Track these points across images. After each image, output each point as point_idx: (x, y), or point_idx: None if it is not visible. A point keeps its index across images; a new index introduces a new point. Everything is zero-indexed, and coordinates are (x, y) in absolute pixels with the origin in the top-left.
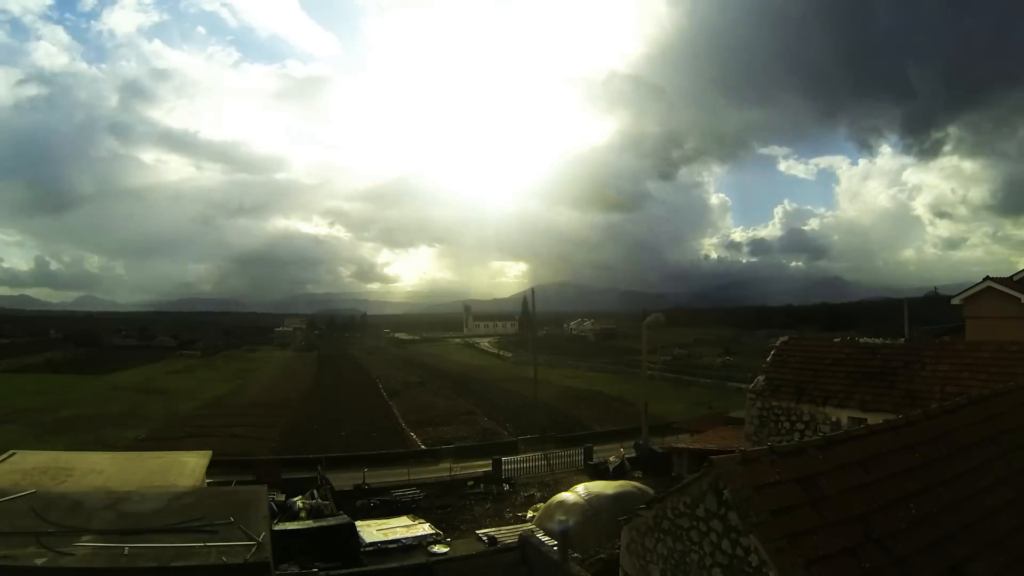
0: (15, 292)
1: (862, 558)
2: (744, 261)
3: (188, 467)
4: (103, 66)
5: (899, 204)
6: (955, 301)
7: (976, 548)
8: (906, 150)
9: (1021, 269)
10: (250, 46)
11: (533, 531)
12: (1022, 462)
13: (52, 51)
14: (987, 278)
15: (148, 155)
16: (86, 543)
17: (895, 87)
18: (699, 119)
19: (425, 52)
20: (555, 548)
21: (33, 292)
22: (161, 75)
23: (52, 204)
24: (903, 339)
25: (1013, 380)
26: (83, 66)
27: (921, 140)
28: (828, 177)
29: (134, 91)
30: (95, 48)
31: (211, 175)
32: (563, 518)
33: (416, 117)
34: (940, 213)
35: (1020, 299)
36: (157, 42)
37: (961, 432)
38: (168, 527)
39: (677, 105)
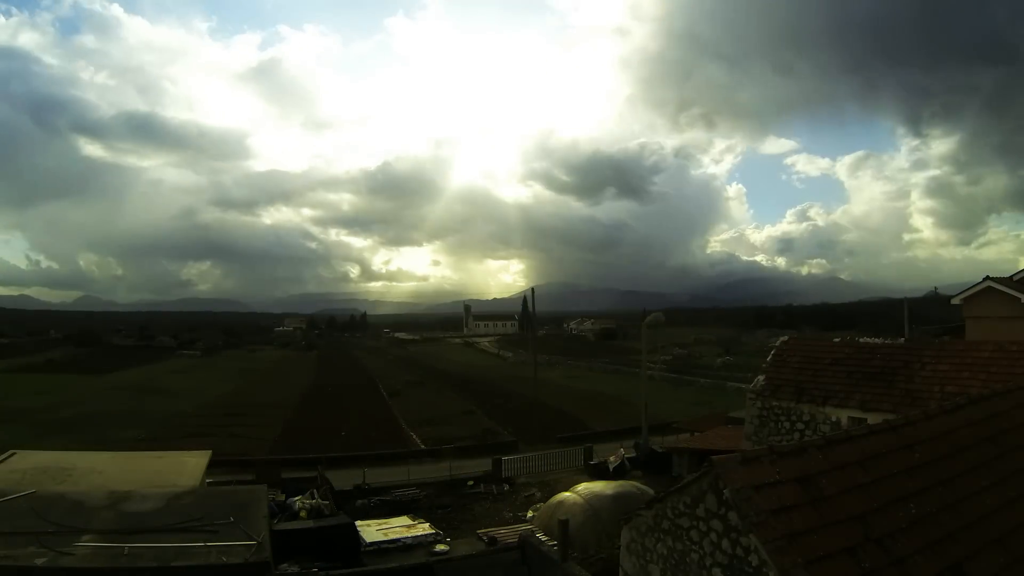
0: (15, 292)
1: (862, 558)
2: (763, 261)
3: (188, 467)
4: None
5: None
6: (955, 301)
7: (976, 548)
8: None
9: (1021, 269)
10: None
11: (533, 531)
12: (1022, 462)
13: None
14: (987, 278)
15: (111, 143)
16: (86, 543)
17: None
18: (720, 83)
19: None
20: (555, 548)
21: (31, 291)
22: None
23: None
24: (903, 339)
25: (1013, 380)
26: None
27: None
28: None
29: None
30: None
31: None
32: (563, 518)
33: (411, 98)
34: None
35: (1020, 299)
36: (116, 6)
37: (961, 432)
38: (168, 527)
39: (698, 67)
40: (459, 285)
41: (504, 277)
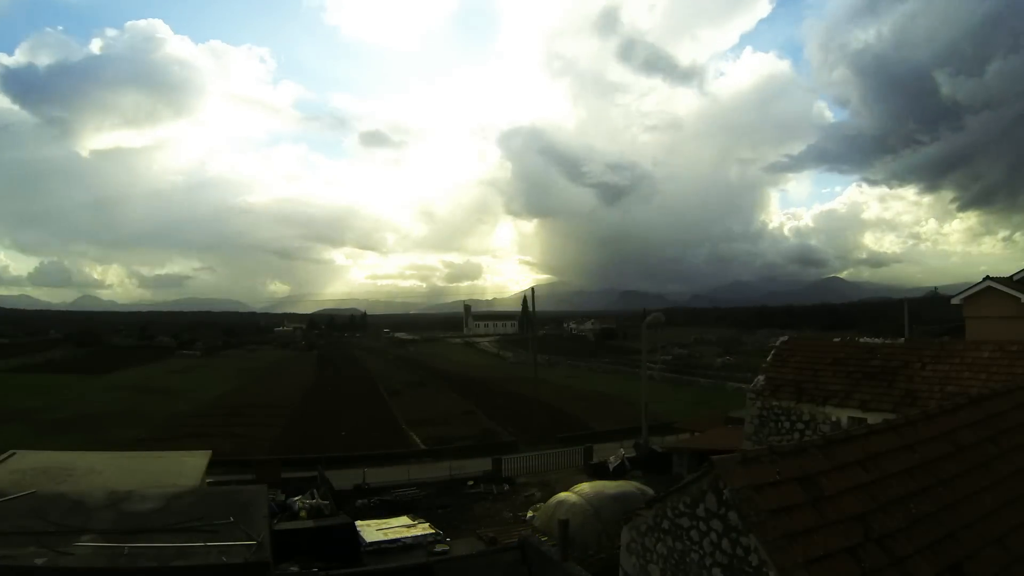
0: (15, 292)
1: (862, 558)
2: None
3: (188, 467)
4: None
5: None
6: (955, 301)
7: (975, 548)
8: None
9: (1021, 269)
10: None
11: (533, 531)
12: (1022, 462)
13: None
14: (987, 278)
15: None
16: (86, 543)
17: None
18: None
19: None
20: (555, 548)
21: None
22: None
23: None
24: (903, 339)
25: (1013, 380)
26: None
27: None
28: None
29: None
30: None
31: None
32: (563, 518)
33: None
34: None
35: (1020, 299)
36: None
37: (961, 432)
38: (168, 527)
39: None
40: (458, 287)
41: (506, 277)
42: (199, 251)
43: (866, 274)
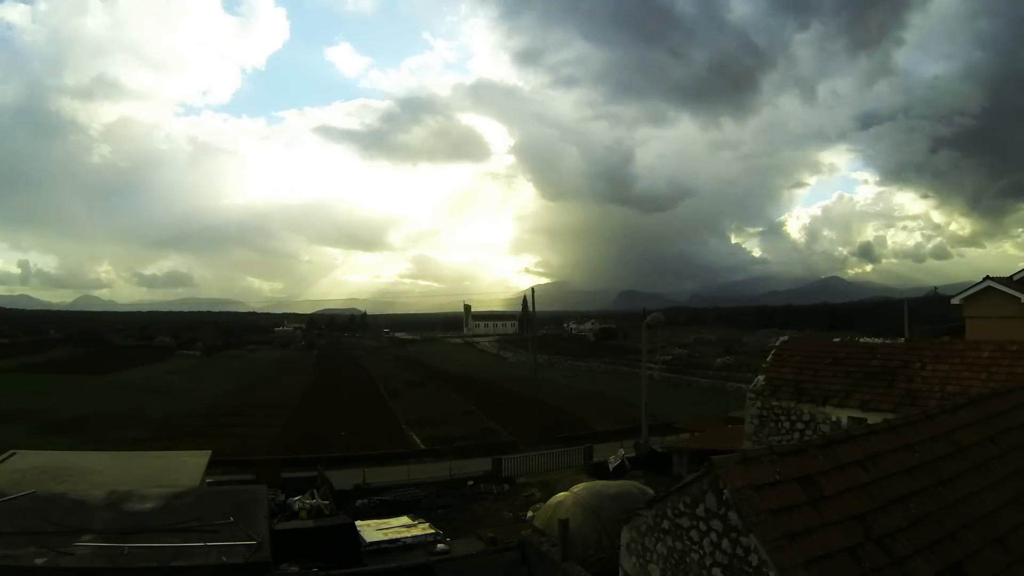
0: (15, 292)
1: (862, 558)
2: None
3: (188, 467)
4: None
5: None
6: (955, 301)
7: (976, 548)
8: None
9: (1021, 269)
10: None
11: (533, 531)
12: (1022, 462)
13: None
14: (987, 278)
15: None
16: (86, 543)
17: None
18: None
19: None
20: (555, 548)
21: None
22: None
23: None
24: (903, 339)
25: (1013, 380)
26: None
27: None
28: None
29: None
30: None
31: None
32: (563, 518)
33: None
34: None
35: (1020, 299)
36: None
37: (961, 432)
38: (168, 527)
39: None
40: (459, 287)
41: (506, 277)
42: (189, 247)
43: (906, 270)
